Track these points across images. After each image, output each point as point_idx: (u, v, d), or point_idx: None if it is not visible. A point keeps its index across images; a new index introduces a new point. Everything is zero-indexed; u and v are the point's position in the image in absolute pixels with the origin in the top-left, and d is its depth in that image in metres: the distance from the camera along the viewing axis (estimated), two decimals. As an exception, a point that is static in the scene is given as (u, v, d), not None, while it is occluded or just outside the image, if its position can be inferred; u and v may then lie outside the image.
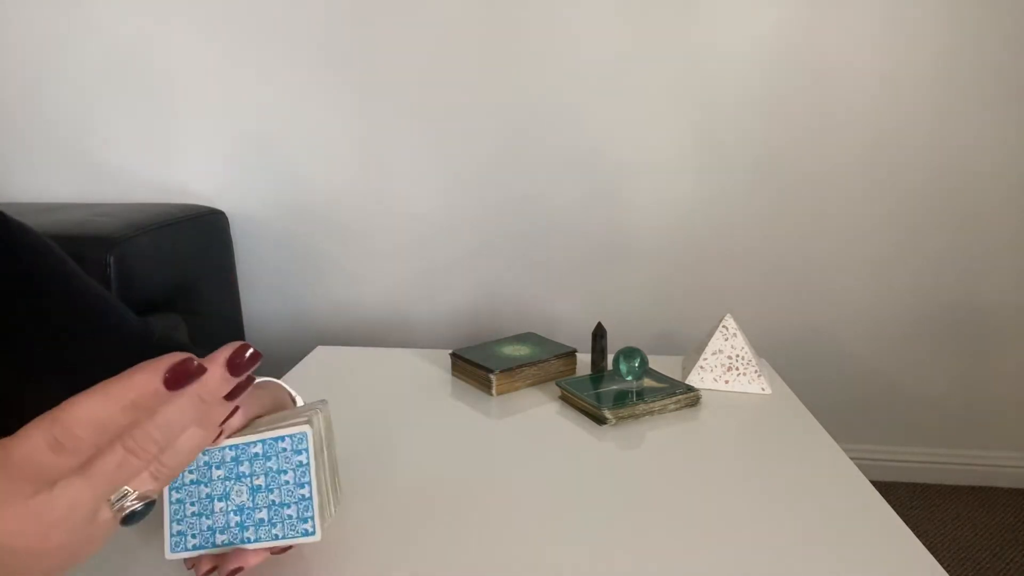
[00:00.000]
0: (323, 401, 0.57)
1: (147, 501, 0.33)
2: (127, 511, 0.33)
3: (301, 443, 0.49)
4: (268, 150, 1.80)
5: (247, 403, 0.51)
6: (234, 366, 0.33)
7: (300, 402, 0.62)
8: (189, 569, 0.51)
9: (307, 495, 0.49)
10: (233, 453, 0.49)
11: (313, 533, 0.48)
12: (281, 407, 0.58)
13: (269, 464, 0.49)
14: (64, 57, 1.77)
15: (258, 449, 0.49)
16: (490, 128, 1.75)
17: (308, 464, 0.49)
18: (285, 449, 0.49)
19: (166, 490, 0.49)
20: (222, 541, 0.49)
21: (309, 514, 0.48)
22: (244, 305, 1.89)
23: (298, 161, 1.80)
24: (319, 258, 1.87)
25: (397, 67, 1.72)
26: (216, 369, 0.33)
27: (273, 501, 0.49)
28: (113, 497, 0.33)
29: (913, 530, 0.65)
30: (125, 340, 0.65)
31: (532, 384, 1.02)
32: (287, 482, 0.49)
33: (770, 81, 1.67)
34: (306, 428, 0.49)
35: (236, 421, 0.50)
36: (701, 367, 1.02)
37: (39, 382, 0.56)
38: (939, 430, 1.85)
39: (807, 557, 0.61)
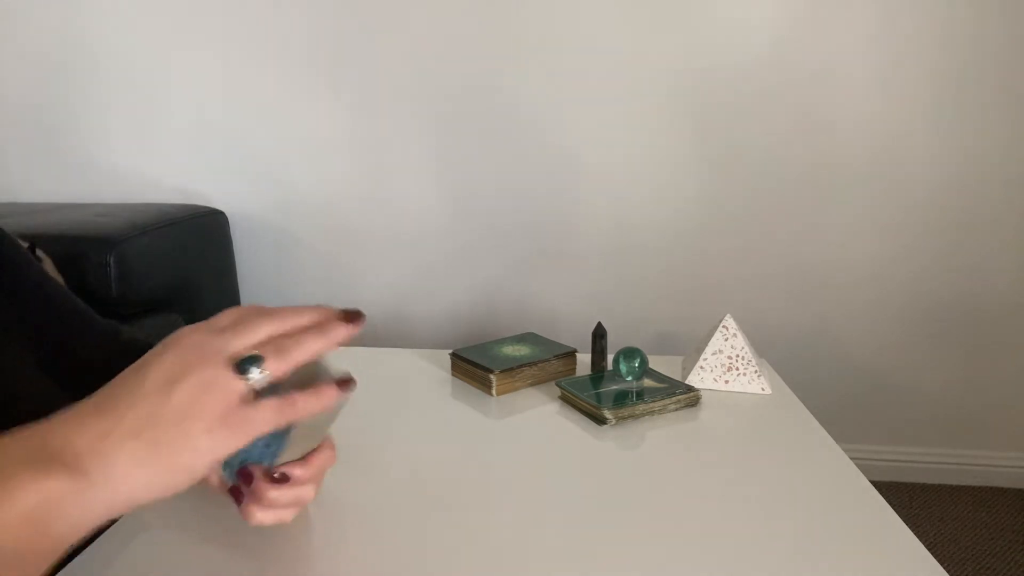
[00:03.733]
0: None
1: (267, 372, 0.40)
2: (251, 368, 0.40)
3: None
4: (268, 151, 1.80)
5: None
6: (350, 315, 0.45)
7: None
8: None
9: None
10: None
11: None
12: None
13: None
14: (65, 58, 1.77)
15: None
16: (490, 129, 1.75)
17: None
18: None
19: None
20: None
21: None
22: (244, 305, 1.89)
23: (298, 161, 1.80)
24: (319, 258, 1.86)
25: (397, 67, 1.72)
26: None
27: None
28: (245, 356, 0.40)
29: (913, 530, 0.65)
30: (97, 339, 0.66)
31: (532, 384, 1.02)
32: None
33: (771, 82, 1.67)
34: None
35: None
36: (701, 367, 1.02)
37: (21, 380, 0.57)
38: (939, 430, 1.85)
39: (807, 557, 0.61)
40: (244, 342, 0.40)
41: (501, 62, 1.71)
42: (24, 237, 1.21)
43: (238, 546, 0.62)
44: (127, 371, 0.40)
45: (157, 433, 0.37)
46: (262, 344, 0.41)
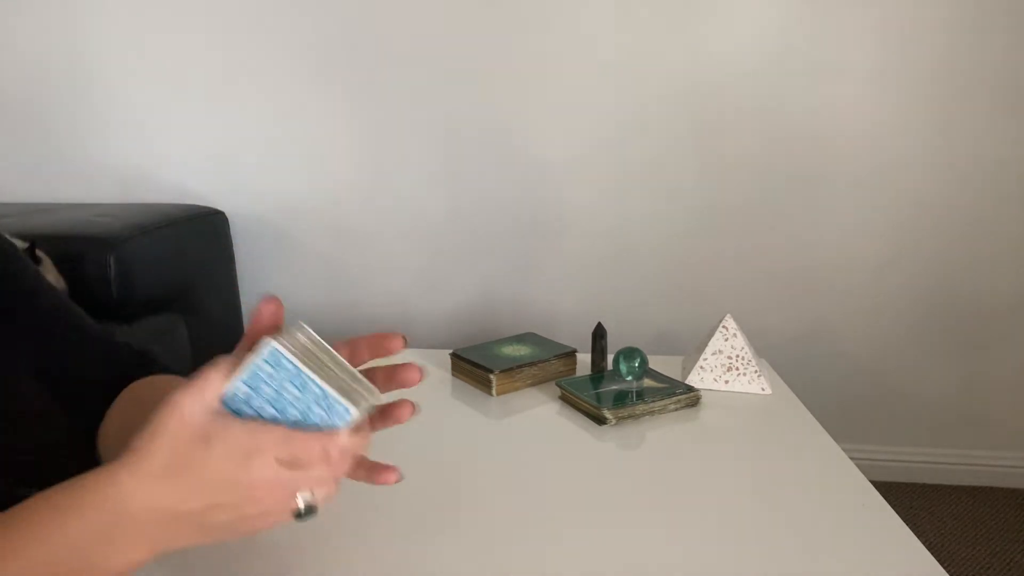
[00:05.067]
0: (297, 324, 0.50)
1: (314, 504, 0.45)
2: (307, 504, 0.45)
3: (275, 356, 0.43)
4: (268, 151, 1.80)
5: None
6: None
7: None
8: None
9: (319, 389, 0.44)
10: (231, 406, 0.44)
11: (349, 412, 0.45)
12: None
13: (266, 391, 0.44)
14: (64, 57, 1.77)
15: (243, 389, 0.43)
16: (491, 130, 1.75)
17: (299, 367, 0.43)
18: (269, 369, 0.43)
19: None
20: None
21: (336, 399, 0.44)
22: (244, 305, 1.89)
23: (298, 161, 1.80)
24: (318, 258, 1.86)
25: (397, 68, 1.72)
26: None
27: (296, 420, 0.44)
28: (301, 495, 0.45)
29: (913, 530, 0.65)
30: (94, 353, 0.65)
31: (532, 384, 1.02)
32: (294, 395, 0.44)
33: (770, 81, 1.67)
34: (268, 340, 0.43)
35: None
36: (701, 367, 1.02)
37: (18, 394, 0.57)
38: (939, 430, 1.85)
39: (807, 557, 0.61)
40: (308, 487, 0.45)
41: (503, 64, 1.71)
42: (24, 237, 1.21)
43: (241, 546, 0.62)
44: (194, 439, 0.42)
45: (216, 527, 0.44)
46: (317, 483, 0.45)
